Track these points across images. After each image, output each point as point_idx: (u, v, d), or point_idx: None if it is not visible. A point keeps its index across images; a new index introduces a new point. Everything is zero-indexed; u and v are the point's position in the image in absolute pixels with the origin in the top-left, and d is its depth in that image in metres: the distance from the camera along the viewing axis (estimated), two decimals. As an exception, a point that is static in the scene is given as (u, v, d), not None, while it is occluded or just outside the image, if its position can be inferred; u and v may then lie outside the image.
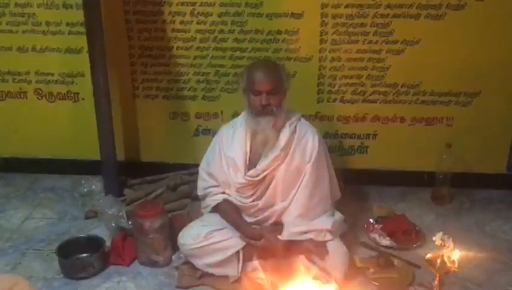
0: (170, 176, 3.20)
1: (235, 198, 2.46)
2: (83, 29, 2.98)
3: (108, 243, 2.60)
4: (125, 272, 2.50)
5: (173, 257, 2.54)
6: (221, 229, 2.40)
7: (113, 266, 2.53)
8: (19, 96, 3.30)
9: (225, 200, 2.48)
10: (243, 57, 3.08)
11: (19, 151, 3.41)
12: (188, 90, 3.21)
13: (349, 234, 2.62)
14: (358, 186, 3.18)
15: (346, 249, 2.39)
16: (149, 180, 3.22)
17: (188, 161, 3.25)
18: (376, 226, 2.78)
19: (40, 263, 2.56)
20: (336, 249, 2.33)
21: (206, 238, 2.35)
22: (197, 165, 2.71)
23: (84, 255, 2.52)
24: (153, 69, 3.18)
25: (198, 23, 3.04)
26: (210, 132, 3.23)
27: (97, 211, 2.90)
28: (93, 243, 2.55)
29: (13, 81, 3.26)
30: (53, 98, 3.29)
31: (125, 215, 2.68)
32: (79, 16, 2.98)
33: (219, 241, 2.35)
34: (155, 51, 3.13)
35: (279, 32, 3.02)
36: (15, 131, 3.37)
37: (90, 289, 2.36)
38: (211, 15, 3.02)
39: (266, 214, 2.43)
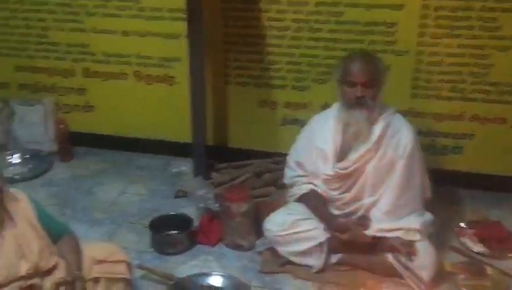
0: (255, 163, 3.26)
1: (323, 189, 2.45)
2: (182, 15, 3.09)
3: (196, 223, 2.70)
4: (210, 252, 2.59)
5: (257, 242, 2.58)
6: (307, 219, 2.40)
7: (199, 245, 2.63)
8: (120, 77, 3.49)
9: (312, 191, 2.48)
10: (337, 48, 3.03)
11: (118, 129, 3.62)
12: (278, 79, 3.23)
13: (438, 236, 2.51)
14: (450, 188, 3.04)
15: (435, 251, 2.30)
16: (235, 165, 3.30)
17: (274, 149, 3.30)
18: (468, 231, 2.65)
19: (133, 235, 2.72)
20: (425, 250, 2.25)
21: (291, 227, 2.37)
22: (282, 154, 2.74)
23: (174, 232, 2.63)
24: (246, 56, 3.23)
25: (294, 12, 3.04)
26: (297, 122, 3.24)
27: (186, 191, 3.02)
28: (182, 222, 2.67)
29: (116, 63, 3.46)
30: (151, 80, 3.45)
31: (213, 197, 2.77)
32: (179, 2, 3.09)
33: (304, 231, 2.36)
34: (249, 38, 3.18)
35: (376, 24, 2.94)
36: (115, 110, 3.58)
37: (178, 265, 2.47)
38: (307, 4, 3.00)
39: (353, 207, 2.40)
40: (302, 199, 2.51)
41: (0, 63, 3.61)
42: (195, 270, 2.42)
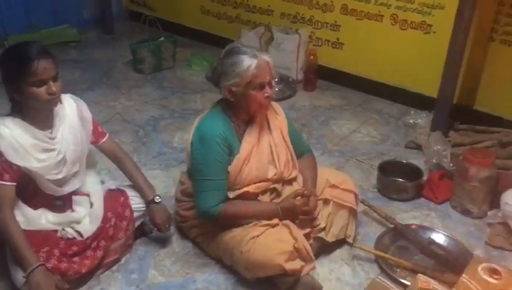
0: (503, 132, 2.97)
1: None
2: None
3: (424, 177, 2.64)
4: (434, 209, 2.52)
5: (489, 212, 2.41)
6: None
7: (423, 199, 2.58)
8: (375, 18, 3.49)
9: None
10: None
11: (362, 70, 3.67)
12: (556, 44, 2.81)
13: None
14: None
15: None
16: (478, 129, 3.06)
17: (529, 122, 2.95)
18: None
19: (359, 172, 2.81)
20: None
21: (537, 207, 2.14)
22: None
23: (401, 180, 2.63)
24: (522, 13, 2.88)
25: None
26: None
27: (419, 144, 2.95)
28: (411, 171, 2.64)
29: (375, 4, 3.45)
30: (406, 26, 3.36)
31: (449, 155, 2.65)
32: None
33: (553, 216, 2.10)
34: (532, -8, 2.81)
35: None
36: (363, 51, 3.61)
37: (399, 212, 2.48)
38: None
39: None
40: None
41: (271, -9, 3.96)
42: (415, 222, 2.40)
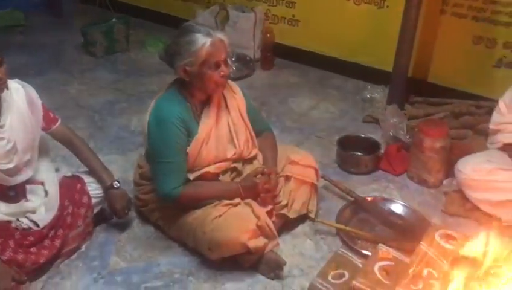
0: (455, 102, 3.05)
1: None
2: None
3: (382, 150, 2.69)
4: (393, 180, 2.58)
5: (444, 181, 2.49)
6: (509, 170, 2.21)
7: (382, 171, 2.64)
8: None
9: (520, 141, 2.25)
10: None
11: (318, 47, 3.67)
12: (504, 15, 2.89)
13: None
14: None
15: None
16: (432, 101, 3.14)
17: (479, 92, 3.04)
18: None
19: (319, 148, 2.84)
20: None
21: (489, 174, 2.21)
22: (488, 99, 2.47)
23: (360, 153, 2.67)
24: (470, -14, 2.94)
25: None
26: (515, 67, 2.91)
27: (376, 118, 3.00)
28: (369, 145, 2.69)
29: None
30: (360, 1, 3.38)
31: (405, 128, 2.71)
32: None
33: (503, 181, 2.18)
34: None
35: None
36: (319, 28, 3.62)
37: (359, 185, 2.52)
38: None
39: None
40: (506, 147, 2.30)
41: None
42: (375, 194, 2.45)
